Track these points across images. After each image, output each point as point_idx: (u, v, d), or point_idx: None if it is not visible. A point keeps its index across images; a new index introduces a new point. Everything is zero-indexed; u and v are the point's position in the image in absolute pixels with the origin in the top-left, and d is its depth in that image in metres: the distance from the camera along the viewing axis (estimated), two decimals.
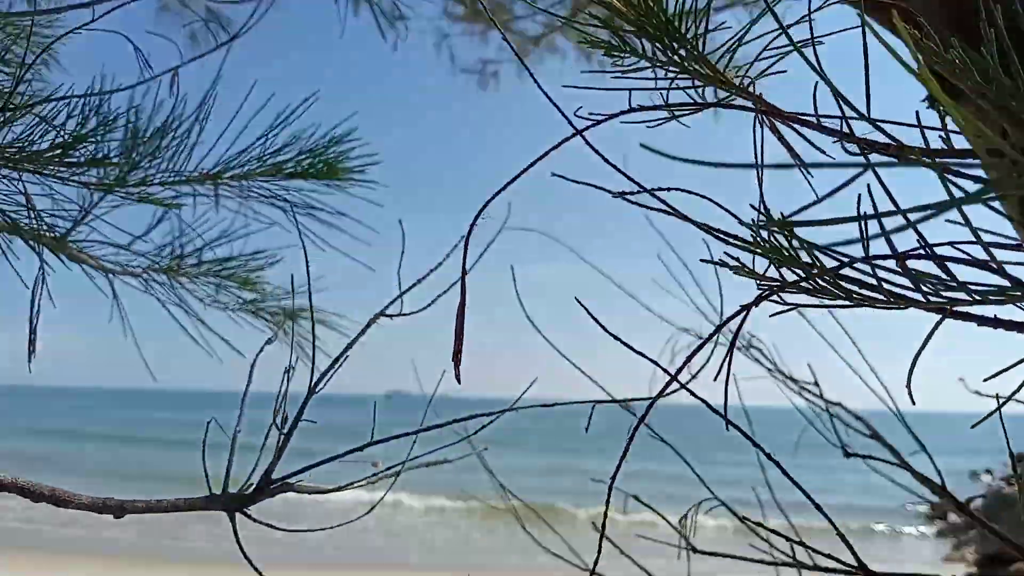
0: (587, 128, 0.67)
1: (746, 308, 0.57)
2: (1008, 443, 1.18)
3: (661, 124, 0.71)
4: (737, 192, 0.83)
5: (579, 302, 0.98)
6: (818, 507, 1.07)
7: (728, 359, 0.58)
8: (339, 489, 0.92)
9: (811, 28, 0.65)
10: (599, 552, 0.91)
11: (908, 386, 0.56)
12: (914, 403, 0.57)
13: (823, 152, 0.63)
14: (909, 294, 0.53)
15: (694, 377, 0.97)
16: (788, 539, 1.26)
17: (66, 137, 1.15)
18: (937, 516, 20.51)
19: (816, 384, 1.67)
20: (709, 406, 1.12)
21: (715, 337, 0.60)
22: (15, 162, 1.13)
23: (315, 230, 1.42)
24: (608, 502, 0.81)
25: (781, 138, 0.65)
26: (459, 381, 0.69)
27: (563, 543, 1.94)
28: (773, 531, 1.49)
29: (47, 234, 1.28)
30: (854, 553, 1.04)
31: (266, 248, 1.69)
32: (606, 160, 0.66)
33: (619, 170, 0.65)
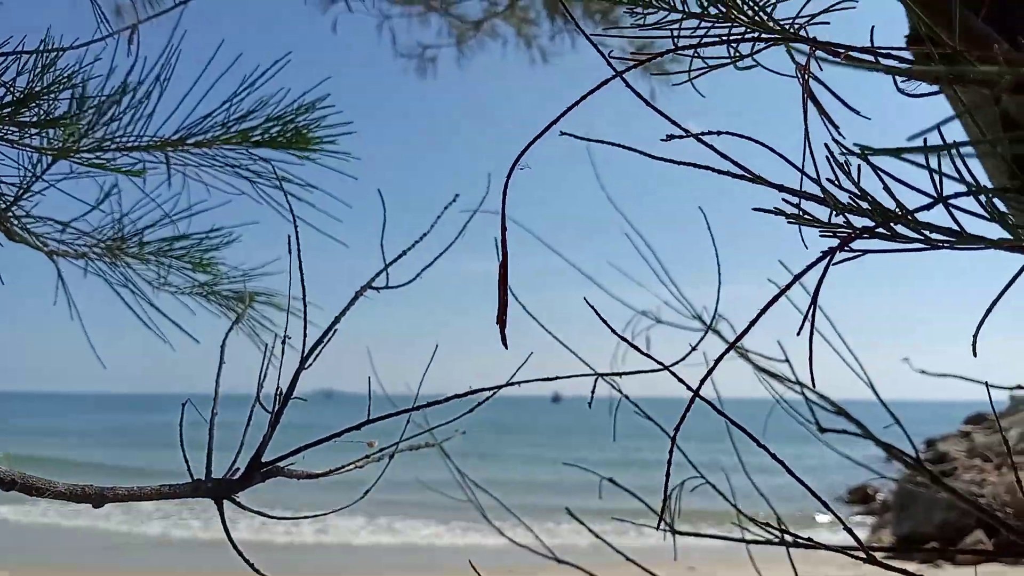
0: (627, 70, 0.63)
1: (829, 254, 0.53)
2: (996, 416, 1.19)
3: (700, 74, 0.67)
4: (761, 154, 0.80)
5: (588, 303, 0.94)
6: (815, 494, 1.05)
7: (812, 311, 0.54)
8: (331, 472, 0.86)
9: None
10: None
11: (975, 337, 0.53)
12: (976, 355, 0.54)
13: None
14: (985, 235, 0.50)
15: (676, 362, 0.94)
16: (773, 526, 1.25)
17: (17, 94, 1.05)
18: (856, 500, 21.29)
19: (787, 361, 1.67)
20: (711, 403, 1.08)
21: (776, 301, 0.57)
22: None
23: (284, 203, 1.35)
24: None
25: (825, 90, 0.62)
26: (505, 345, 0.64)
27: (530, 533, 1.91)
28: (747, 517, 1.49)
29: None
30: (855, 537, 1.04)
31: (223, 225, 1.59)
32: (643, 99, 0.62)
33: (657, 110, 0.61)
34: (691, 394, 0.86)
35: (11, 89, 1.05)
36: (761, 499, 1.74)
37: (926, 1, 0.77)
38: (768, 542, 1.27)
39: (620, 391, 1.27)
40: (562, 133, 0.83)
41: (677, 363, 0.90)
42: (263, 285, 1.92)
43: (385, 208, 1.13)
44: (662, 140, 0.61)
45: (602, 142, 0.81)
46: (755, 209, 0.59)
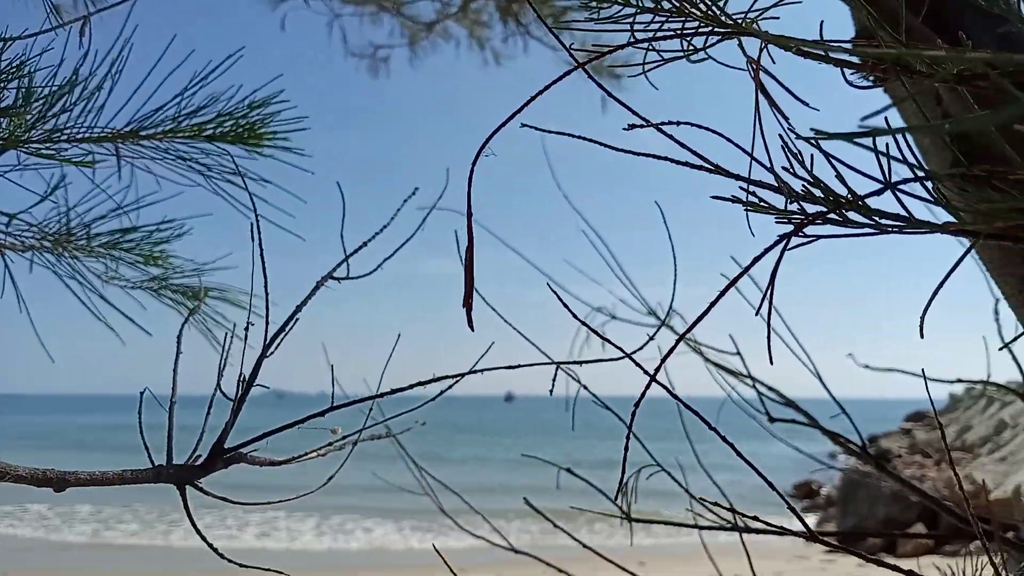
0: (588, 62, 0.65)
1: (785, 237, 0.56)
2: (935, 412, 1.23)
3: (654, 68, 0.69)
4: (717, 145, 0.82)
5: (552, 290, 0.96)
6: (760, 474, 1.08)
7: (769, 294, 0.56)
8: (294, 460, 0.86)
9: None
10: None
11: (922, 319, 0.56)
12: (923, 336, 0.57)
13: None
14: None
15: (634, 353, 0.96)
16: (724, 507, 1.28)
17: None
18: (801, 495, 21.74)
19: (739, 354, 1.71)
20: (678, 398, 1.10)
21: (733, 284, 0.58)
22: None
23: (237, 197, 1.34)
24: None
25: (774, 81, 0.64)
26: (471, 327, 0.65)
27: (486, 524, 1.92)
28: (700, 500, 1.52)
29: None
30: (802, 521, 1.07)
31: (175, 218, 1.58)
32: (606, 91, 0.64)
33: (620, 102, 0.63)
34: (645, 388, 0.88)
35: None
36: (710, 495, 1.78)
37: (871, 2, 0.80)
38: (721, 528, 1.30)
39: (578, 381, 1.29)
40: (523, 125, 0.84)
41: (636, 351, 0.92)
42: (216, 280, 1.90)
43: (344, 201, 1.13)
44: (624, 129, 0.62)
45: (562, 133, 0.82)
46: (713, 197, 0.61)
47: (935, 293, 0.54)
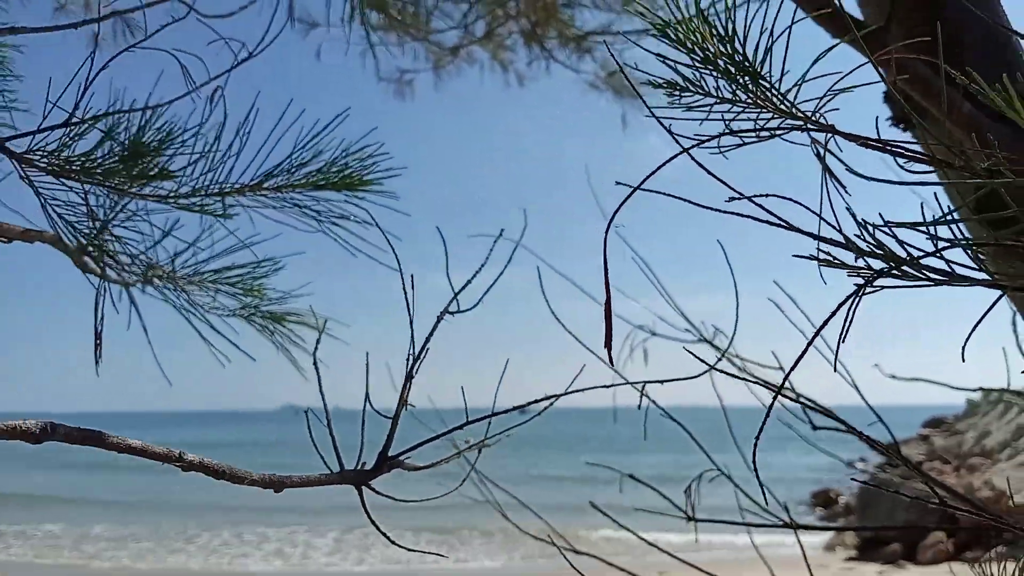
0: (693, 147, 0.82)
1: (861, 288, 0.73)
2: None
3: (730, 149, 0.87)
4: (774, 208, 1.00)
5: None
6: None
7: (844, 336, 0.74)
8: (435, 464, 1.04)
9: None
10: None
11: (963, 352, 0.73)
12: (964, 360, 0.74)
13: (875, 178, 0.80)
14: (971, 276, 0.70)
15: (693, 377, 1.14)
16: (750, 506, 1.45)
17: (128, 150, 1.21)
18: (819, 504, 21.70)
19: (781, 369, 1.87)
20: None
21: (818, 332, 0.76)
22: (80, 173, 1.19)
23: (341, 237, 1.53)
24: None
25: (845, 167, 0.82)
26: (612, 364, 0.82)
27: (550, 529, 2.09)
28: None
29: (104, 241, 1.33)
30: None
31: (272, 255, 1.77)
32: (710, 172, 0.81)
33: (722, 181, 0.81)
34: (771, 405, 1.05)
35: (125, 146, 1.21)
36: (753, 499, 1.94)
37: (916, 80, 0.97)
38: (774, 526, 1.47)
39: (650, 399, 1.47)
40: (617, 183, 1.02)
41: (701, 374, 1.10)
42: (294, 307, 2.10)
43: (445, 242, 1.32)
44: (726, 202, 0.80)
45: (668, 195, 1.00)
46: (795, 255, 0.79)
47: (972, 331, 0.71)
